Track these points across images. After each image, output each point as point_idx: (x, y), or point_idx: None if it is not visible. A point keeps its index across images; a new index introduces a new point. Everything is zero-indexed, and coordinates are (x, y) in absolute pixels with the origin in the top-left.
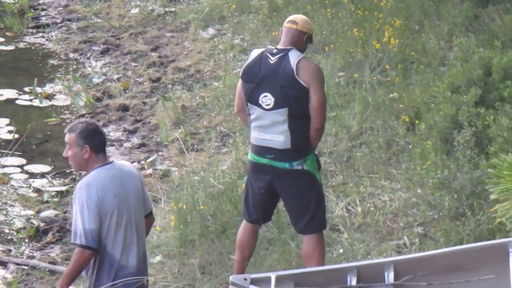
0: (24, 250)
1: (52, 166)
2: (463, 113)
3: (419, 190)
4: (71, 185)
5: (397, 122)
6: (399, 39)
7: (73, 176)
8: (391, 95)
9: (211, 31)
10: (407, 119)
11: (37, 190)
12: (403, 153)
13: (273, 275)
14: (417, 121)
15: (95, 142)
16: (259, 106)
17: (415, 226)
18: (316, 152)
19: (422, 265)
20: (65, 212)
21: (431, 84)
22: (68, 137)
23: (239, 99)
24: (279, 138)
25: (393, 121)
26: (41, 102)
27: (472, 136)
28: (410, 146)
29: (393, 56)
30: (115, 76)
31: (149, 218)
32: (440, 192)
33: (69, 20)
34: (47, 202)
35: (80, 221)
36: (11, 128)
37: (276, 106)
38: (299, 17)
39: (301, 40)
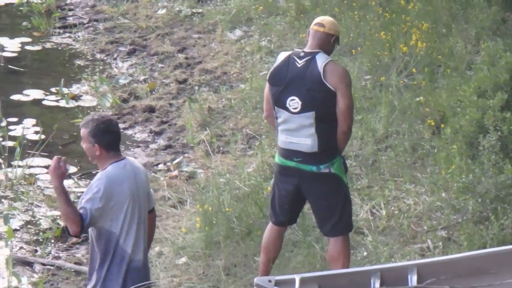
0: (50, 251)
1: (78, 167)
2: (488, 117)
3: (443, 194)
4: None
5: (422, 126)
6: (426, 42)
7: None
8: (417, 99)
9: (238, 32)
10: (433, 123)
11: None
12: (428, 157)
13: (297, 277)
14: (442, 125)
15: (105, 141)
16: (286, 109)
17: (439, 230)
18: (343, 155)
19: (445, 268)
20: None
21: (457, 88)
22: (82, 131)
23: (268, 102)
24: (306, 141)
25: (418, 125)
26: (67, 103)
27: (497, 140)
28: (435, 150)
29: (420, 59)
30: (142, 77)
31: (152, 214)
32: (465, 196)
33: (96, 20)
34: (73, 202)
35: (89, 201)
36: (37, 128)
37: (303, 110)
38: (326, 19)
39: (328, 42)
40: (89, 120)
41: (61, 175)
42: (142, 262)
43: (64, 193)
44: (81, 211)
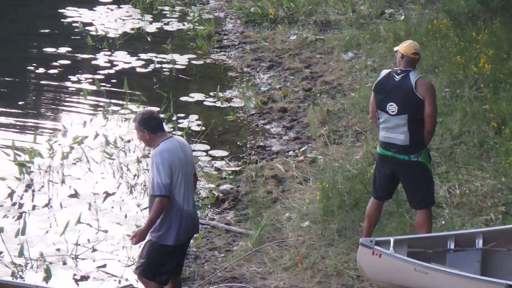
0: (207, 214)
1: (229, 152)
2: None
3: (503, 179)
4: (243, 166)
5: (488, 127)
6: (491, 64)
7: (245, 160)
8: (484, 107)
9: (350, 54)
10: (496, 125)
11: (217, 169)
12: (492, 151)
13: (392, 239)
14: (503, 127)
15: (151, 125)
16: (386, 112)
17: (499, 206)
18: (427, 148)
19: (504, 235)
20: (238, 186)
21: None
22: (134, 125)
23: (372, 107)
24: (400, 136)
25: (484, 126)
26: (222, 104)
27: None
28: (497, 146)
29: (486, 77)
30: (277, 86)
31: (195, 176)
32: None
33: (244, 43)
34: (224, 178)
35: (158, 178)
36: (199, 122)
37: (399, 113)
38: (418, 47)
39: (416, 62)
40: (136, 116)
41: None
42: (192, 211)
43: (150, 228)
44: (155, 189)
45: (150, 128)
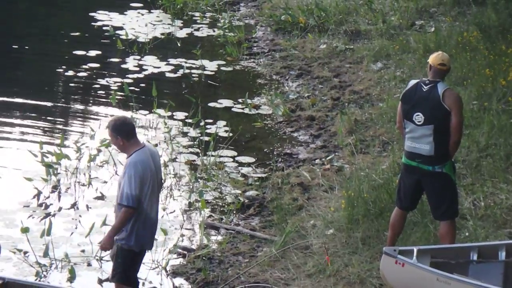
0: (232, 219)
1: (256, 158)
2: None
3: None
4: (269, 173)
5: None
6: None
7: (271, 167)
8: (511, 120)
9: (379, 65)
10: None
11: (243, 176)
12: None
13: (415, 249)
14: None
15: (124, 132)
16: (413, 122)
17: None
18: (453, 159)
19: None
20: (264, 193)
21: None
22: (107, 132)
23: (399, 116)
24: (425, 147)
25: None
26: (250, 110)
27: None
28: None
29: None
30: (306, 94)
31: (161, 181)
32: None
33: (273, 50)
34: (250, 184)
35: (128, 189)
36: (227, 128)
37: (425, 123)
38: (446, 59)
39: (445, 74)
40: (109, 122)
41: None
42: (155, 219)
43: (114, 235)
44: (124, 199)
45: (123, 134)
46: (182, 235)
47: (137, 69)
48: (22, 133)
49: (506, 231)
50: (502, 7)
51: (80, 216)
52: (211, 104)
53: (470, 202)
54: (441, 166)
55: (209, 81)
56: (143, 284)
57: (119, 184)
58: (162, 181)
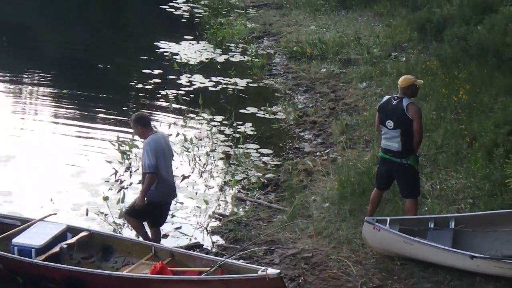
0: (255, 194)
1: (273, 151)
2: (500, 139)
3: (472, 179)
4: (282, 162)
5: (462, 141)
6: (468, 96)
7: (284, 157)
8: (461, 126)
9: (364, 84)
10: (468, 140)
11: (264, 163)
12: (465, 158)
13: (388, 218)
14: (474, 142)
15: (141, 122)
16: (386, 127)
17: (468, 198)
18: (416, 154)
19: (470, 219)
20: (278, 176)
21: (483, 122)
22: (131, 124)
23: (377, 122)
24: (395, 145)
25: (460, 141)
26: (269, 116)
27: (504, 151)
28: (469, 155)
29: (464, 105)
30: (310, 105)
31: (172, 158)
32: (483, 181)
33: (287, 72)
34: (269, 169)
35: (147, 160)
36: (252, 128)
37: (395, 128)
38: (404, 80)
39: (407, 90)
40: (132, 117)
41: (141, 205)
42: (171, 181)
43: (144, 196)
44: (146, 168)
45: (141, 123)
46: (219, 205)
47: (188, 84)
48: (105, 128)
49: (455, 207)
50: (455, 43)
51: None
52: (241, 110)
53: (429, 185)
54: (407, 159)
55: (240, 94)
56: (190, 239)
57: (142, 159)
58: (173, 153)
